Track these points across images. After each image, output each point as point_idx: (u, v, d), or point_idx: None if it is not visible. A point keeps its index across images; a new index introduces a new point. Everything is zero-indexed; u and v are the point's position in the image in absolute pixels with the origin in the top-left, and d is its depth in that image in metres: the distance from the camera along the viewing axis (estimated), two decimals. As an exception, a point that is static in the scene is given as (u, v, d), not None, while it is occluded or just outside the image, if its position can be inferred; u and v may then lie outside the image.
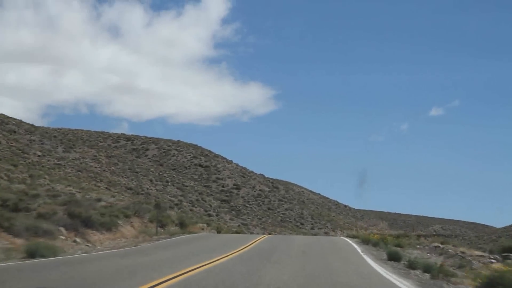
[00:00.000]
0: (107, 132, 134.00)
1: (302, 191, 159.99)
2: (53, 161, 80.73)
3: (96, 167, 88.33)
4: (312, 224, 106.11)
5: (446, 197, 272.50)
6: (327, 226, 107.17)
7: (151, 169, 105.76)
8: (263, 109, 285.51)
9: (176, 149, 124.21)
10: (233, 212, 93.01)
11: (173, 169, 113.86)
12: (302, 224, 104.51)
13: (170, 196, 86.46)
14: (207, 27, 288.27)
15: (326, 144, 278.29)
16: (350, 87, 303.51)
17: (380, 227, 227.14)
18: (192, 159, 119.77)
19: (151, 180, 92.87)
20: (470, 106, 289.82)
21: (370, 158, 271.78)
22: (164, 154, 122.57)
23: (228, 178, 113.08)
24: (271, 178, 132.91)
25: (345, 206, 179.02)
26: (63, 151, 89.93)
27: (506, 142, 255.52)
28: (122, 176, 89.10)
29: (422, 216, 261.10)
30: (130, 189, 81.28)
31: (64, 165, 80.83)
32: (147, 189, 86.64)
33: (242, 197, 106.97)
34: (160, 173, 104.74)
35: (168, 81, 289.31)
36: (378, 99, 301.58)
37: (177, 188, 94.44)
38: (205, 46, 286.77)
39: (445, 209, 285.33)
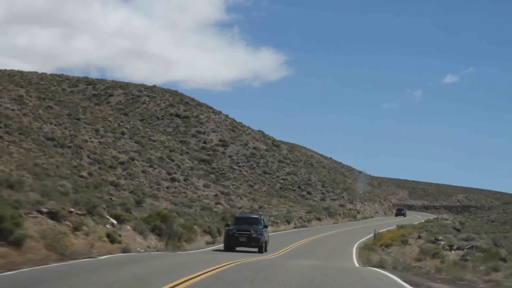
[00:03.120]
0: (66, 75, 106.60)
1: (311, 154, 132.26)
2: None
3: (12, 110, 61.41)
4: (323, 193, 79.07)
5: (468, 165, 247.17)
6: (343, 197, 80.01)
7: (109, 119, 78.67)
8: (275, 75, 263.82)
9: (148, 95, 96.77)
10: (212, 176, 66.01)
11: (140, 120, 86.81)
12: (309, 193, 77.43)
13: (117, 152, 59.56)
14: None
15: (338, 112, 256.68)
16: (363, 55, 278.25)
17: (400, 196, 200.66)
18: (167, 108, 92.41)
19: (97, 130, 65.92)
20: (485, 72, 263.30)
21: (384, 124, 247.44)
22: (132, 101, 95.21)
23: (212, 132, 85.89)
24: (273, 137, 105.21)
25: (360, 172, 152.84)
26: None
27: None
28: (51, 123, 62.19)
29: (443, 184, 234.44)
30: (52, 139, 54.42)
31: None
32: (86, 141, 59.72)
33: (230, 156, 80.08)
34: (121, 123, 77.65)
35: (180, 46, 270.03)
36: (391, 67, 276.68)
37: (135, 142, 67.50)
38: (217, 10, 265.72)
39: (467, 177, 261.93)
